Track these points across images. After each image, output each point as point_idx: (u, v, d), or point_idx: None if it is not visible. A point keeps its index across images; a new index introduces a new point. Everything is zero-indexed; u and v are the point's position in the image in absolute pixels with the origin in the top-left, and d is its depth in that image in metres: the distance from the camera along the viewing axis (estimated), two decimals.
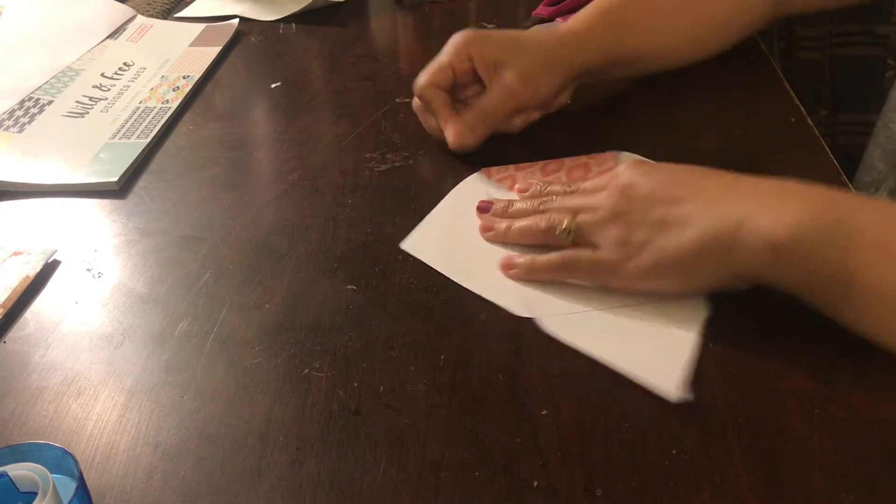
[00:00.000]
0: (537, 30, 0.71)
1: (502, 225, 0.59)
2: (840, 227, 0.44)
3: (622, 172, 0.53)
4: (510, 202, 0.60)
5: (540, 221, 0.56)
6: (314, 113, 0.79)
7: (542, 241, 0.56)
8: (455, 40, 0.68)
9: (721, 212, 0.47)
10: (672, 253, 0.49)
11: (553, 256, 0.54)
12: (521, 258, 0.55)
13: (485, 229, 0.59)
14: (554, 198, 0.58)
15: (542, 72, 0.67)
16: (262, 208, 0.65)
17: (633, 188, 0.52)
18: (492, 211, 0.61)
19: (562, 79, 0.68)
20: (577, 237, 0.54)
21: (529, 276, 0.55)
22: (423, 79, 0.68)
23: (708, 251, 0.47)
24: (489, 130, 0.67)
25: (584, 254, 0.53)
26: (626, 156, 0.65)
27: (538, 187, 0.61)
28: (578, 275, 0.53)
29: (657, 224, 0.50)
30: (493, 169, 0.66)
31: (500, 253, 0.57)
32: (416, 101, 0.70)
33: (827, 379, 0.46)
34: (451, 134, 0.66)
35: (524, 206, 0.59)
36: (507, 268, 0.56)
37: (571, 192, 0.58)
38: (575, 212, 0.54)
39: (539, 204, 0.58)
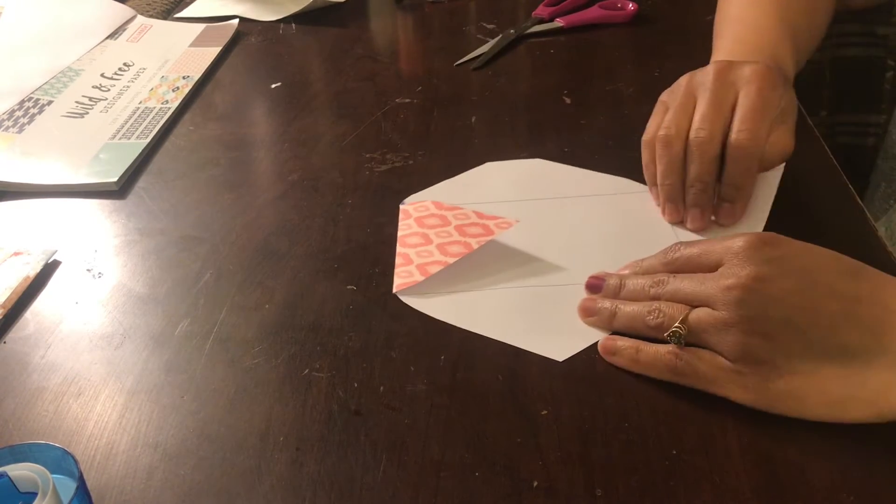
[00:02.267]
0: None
1: (606, 305, 0.50)
2: None
3: (749, 256, 0.44)
4: (623, 280, 0.52)
5: (649, 317, 0.47)
6: (314, 113, 0.79)
7: (646, 334, 0.48)
8: (710, 76, 0.57)
9: (878, 374, 0.41)
10: (818, 385, 0.42)
11: (662, 357, 0.46)
12: (624, 343, 0.48)
13: (586, 313, 0.51)
14: (668, 279, 0.49)
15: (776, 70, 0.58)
16: (262, 208, 0.65)
17: (764, 284, 0.43)
18: (603, 290, 0.52)
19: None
20: (690, 338, 0.45)
21: (633, 368, 0.47)
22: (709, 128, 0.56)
23: (860, 396, 0.42)
24: None
25: (698, 364, 0.45)
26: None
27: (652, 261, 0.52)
28: (690, 383, 0.46)
29: (796, 343, 0.43)
30: (412, 206, 0.62)
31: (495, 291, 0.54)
32: (668, 136, 0.58)
33: None
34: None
35: (636, 285, 0.50)
36: (607, 351, 0.48)
37: (693, 264, 0.49)
38: (690, 302, 0.46)
39: (651, 285, 0.49)
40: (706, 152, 0.55)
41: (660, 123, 0.59)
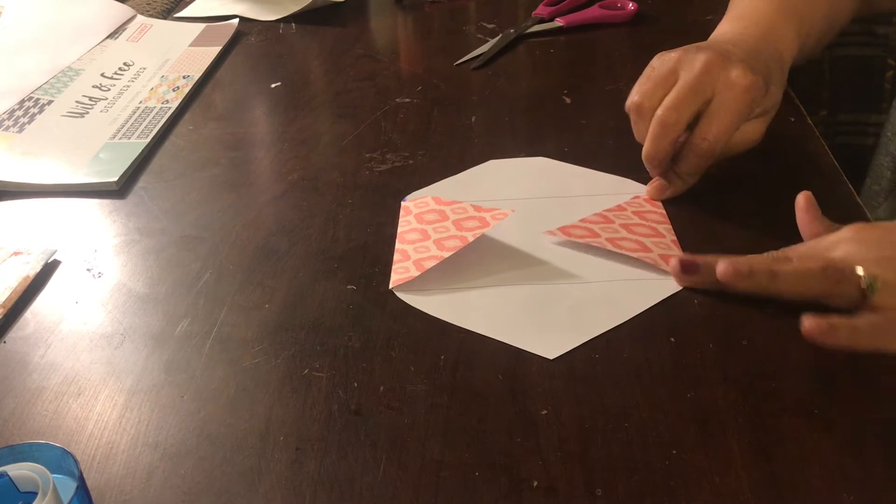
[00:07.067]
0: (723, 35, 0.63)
1: (762, 267, 0.49)
2: None
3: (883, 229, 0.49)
4: (732, 259, 0.50)
5: (826, 272, 0.47)
6: (314, 113, 0.79)
7: (821, 293, 0.48)
8: (699, 64, 0.56)
9: None
10: None
11: (876, 323, 0.46)
12: (837, 321, 0.46)
13: (735, 275, 0.49)
14: (791, 256, 0.50)
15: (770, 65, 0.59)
16: (262, 208, 0.65)
17: None
18: (735, 269, 0.50)
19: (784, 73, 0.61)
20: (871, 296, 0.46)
21: (855, 345, 0.46)
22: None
23: None
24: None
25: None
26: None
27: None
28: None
29: None
30: (412, 203, 0.63)
31: (493, 290, 0.54)
32: (640, 106, 0.59)
33: (827, 379, 0.46)
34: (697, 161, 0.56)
35: (765, 256, 0.51)
36: (821, 332, 0.46)
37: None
38: (850, 263, 0.47)
39: (778, 258, 0.50)
40: (666, 135, 0.57)
41: (639, 90, 0.60)
